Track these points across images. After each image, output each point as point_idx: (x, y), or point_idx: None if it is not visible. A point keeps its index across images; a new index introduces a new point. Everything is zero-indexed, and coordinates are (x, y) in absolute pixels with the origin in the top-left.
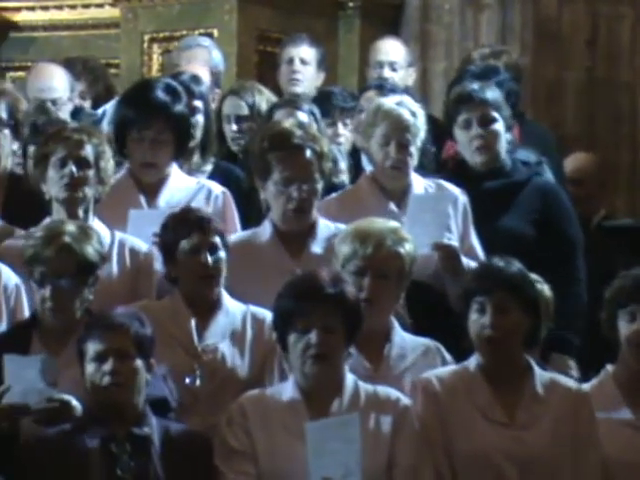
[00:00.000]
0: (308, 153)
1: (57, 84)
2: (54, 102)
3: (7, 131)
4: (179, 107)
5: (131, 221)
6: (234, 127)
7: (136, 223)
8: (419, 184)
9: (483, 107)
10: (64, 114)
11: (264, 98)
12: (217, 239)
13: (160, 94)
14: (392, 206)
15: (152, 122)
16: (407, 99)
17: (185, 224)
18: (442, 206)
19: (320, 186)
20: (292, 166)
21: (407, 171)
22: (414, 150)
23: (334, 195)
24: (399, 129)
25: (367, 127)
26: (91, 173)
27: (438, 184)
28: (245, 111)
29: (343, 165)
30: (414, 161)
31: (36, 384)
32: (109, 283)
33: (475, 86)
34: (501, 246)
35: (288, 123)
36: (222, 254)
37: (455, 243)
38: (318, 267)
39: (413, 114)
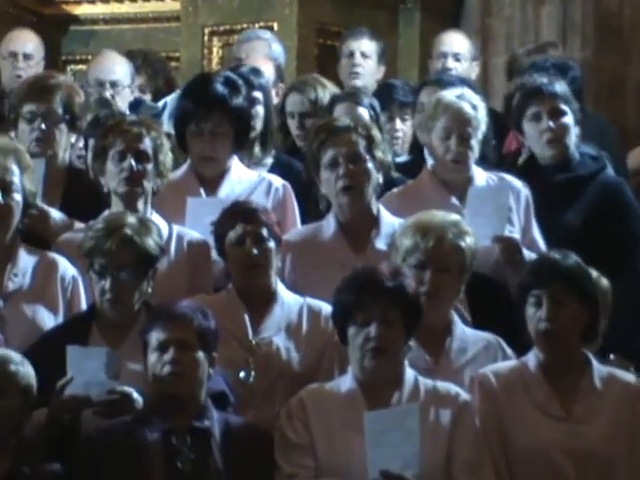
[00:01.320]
0: (354, 134)
1: (118, 68)
2: (113, 84)
3: (63, 125)
4: (238, 100)
5: (189, 209)
6: (297, 124)
7: (194, 211)
8: (481, 177)
9: (553, 100)
10: (123, 101)
11: (327, 92)
12: (264, 230)
13: (219, 87)
14: (454, 200)
15: (211, 115)
16: (468, 92)
17: (231, 216)
18: (502, 198)
19: (371, 166)
20: (336, 146)
21: (468, 164)
22: (475, 143)
23: (395, 190)
24: (460, 122)
25: (428, 120)
26: (150, 166)
27: (500, 177)
28: (307, 108)
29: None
30: (475, 154)
31: (98, 376)
32: (167, 276)
33: (544, 79)
34: (565, 239)
35: (355, 113)
36: (270, 245)
37: (516, 235)
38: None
39: (474, 107)
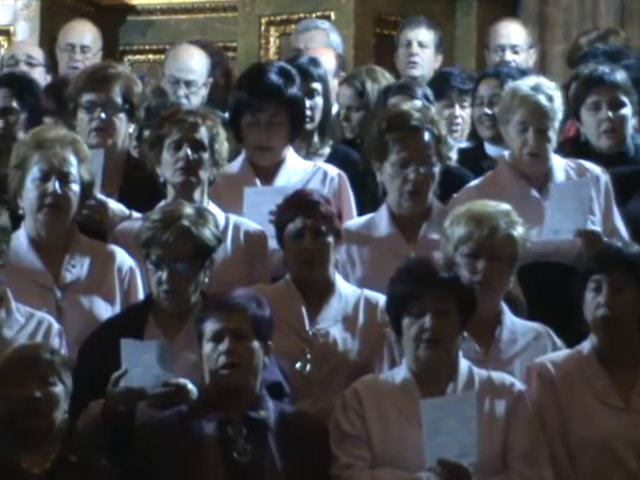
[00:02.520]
0: (426, 135)
1: (195, 66)
2: (189, 84)
3: (122, 115)
4: (293, 90)
5: (247, 199)
6: (343, 116)
7: (252, 201)
8: (560, 165)
9: (613, 90)
10: (197, 97)
11: (377, 86)
12: (323, 224)
13: (273, 77)
14: (534, 192)
15: (265, 105)
16: (544, 81)
17: (291, 207)
18: (584, 192)
19: (437, 170)
20: (410, 147)
21: (546, 157)
22: (552, 134)
23: (473, 183)
24: (536, 115)
25: (504, 112)
26: (206, 156)
27: (578, 163)
28: (352, 100)
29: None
30: (553, 145)
31: (153, 369)
32: (224, 266)
33: (606, 69)
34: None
35: (407, 105)
36: (328, 240)
37: (598, 228)
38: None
39: (550, 98)
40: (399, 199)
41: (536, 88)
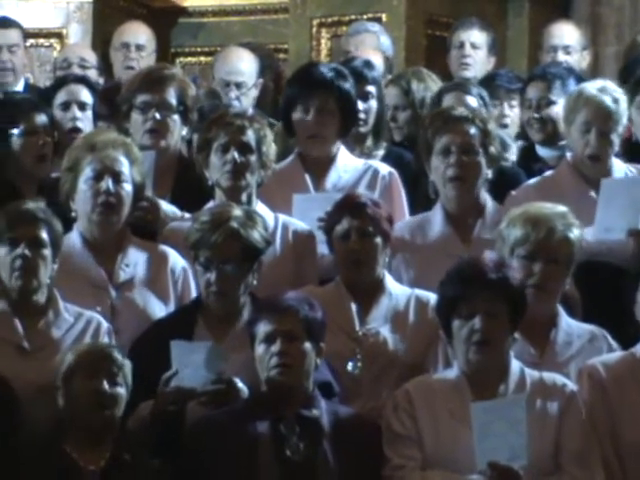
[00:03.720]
0: (468, 124)
1: (244, 68)
2: (239, 86)
3: (176, 116)
4: (344, 83)
5: (296, 206)
6: (390, 116)
7: (301, 207)
8: (620, 169)
9: None
10: (248, 99)
11: (422, 86)
12: (370, 225)
13: (324, 69)
14: (592, 193)
15: (316, 94)
16: (610, 85)
17: (339, 209)
18: (636, 190)
19: (482, 160)
20: (451, 134)
21: (607, 159)
22: (615, 138)
23: (532, 181)
24: (600, 117)
25: (568, 113)
26: (253, 158)
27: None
28: (398, 100)
29: (513, 149)
30: (614, 149)
31: (202, 370)
32: (273, 266)
33: None
34: None
35: (463, 103)
36: (376, 240)
37: None
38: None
39: (615, 100)
40: (445, 189)
41: (602, 90)
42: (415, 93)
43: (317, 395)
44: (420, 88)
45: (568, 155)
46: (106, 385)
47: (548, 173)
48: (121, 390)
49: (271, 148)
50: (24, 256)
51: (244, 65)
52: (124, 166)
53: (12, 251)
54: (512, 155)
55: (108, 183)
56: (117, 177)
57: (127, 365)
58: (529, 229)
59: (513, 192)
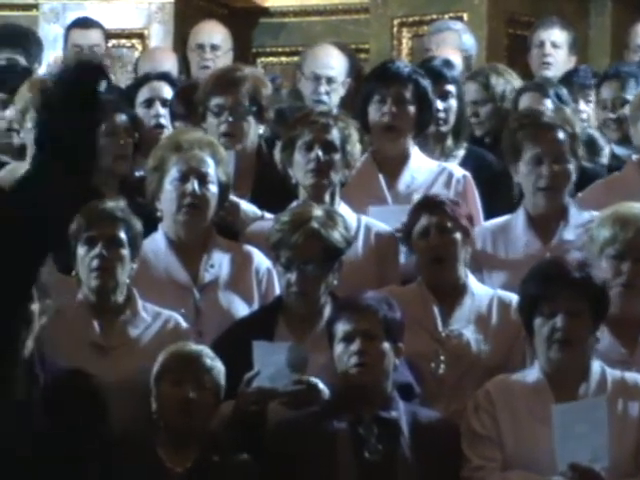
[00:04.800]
0: (559, 132)
1: (334, 63)
2: (329, 80)
3: (250, 117)
4: (421, 78)
5: (371, 217)
6: (470, 112)
7: (377, 219)
8: None
9: None
10: (336, 95)
11: (502, 80)
12: (449, 222)
13: (400, 65)
14: None
15: (392, 86)
16: None
17: (418, 208)
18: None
19: (572, 167)
20: (542, 144)
21: None
22: None
23: (599, 182)
24: None
25: (634, 111)
26: (337, 157)
27: None
28: (478, 94)
29: (605, 151)
30: None
31: (284, 371)
32: (355, 267)
33: None
34: None
35: (540, 104)
36: (455, 237)
37: None
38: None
39: None
40: (534, 198)
41: None
42: (495, 87)
43: (396, 396)
44: (499, 82)
45: (634, 156)
46: (192, 392)
47: (616, 173)
48: (210, 395)
49: (356, 147)
50: (102, 256)
51: (335, 61)
52: (210, 167)
53: (90, 250)
54: (604, 158)
55: (194, 184)
56: (203, 178)
57: (217, 368)
58: (618, 229)
59: (580, 194)
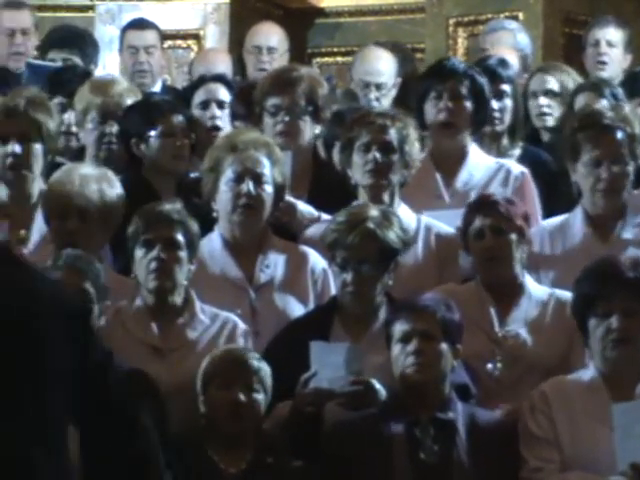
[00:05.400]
0: (619, 134)
1: (383, 68)
2: (378, 87)
3: (307, 117)
4: (477, 74)
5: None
6: (541, 101)
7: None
8: None
9: None
10: (387, 99)
11: (571, 79)
12: (503, 222)
13: (456, 61)
14: None
15: (449, 81)
16: None
17: (472, 209)
18: None
19: (631, 168)
20: (602, 146)
21: None
22: None
23: None
24: None
25: None
26: (395, 158)
27: None
28: (553, 86)
29: None
30: None
31: (341, 371)
32: (415, 268)
33: None
34: None
35: (599, 104)
36: (510, 237)
37: None
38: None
39: None
40: (593, 198)
41: None
42: (564, 83)
43: (453, 397)
44: (569, 80)
45: None
46: (242, 395)
47: None
48: (259, 396)
49: (414, 147)
50: (159, 258)
51: (383, 65)
52: (265, 167)
53: (148, 253)
54: None
55: (249, 185)
56: (258, 179)
57: (264, 369)
58: None
59: (635, 191)
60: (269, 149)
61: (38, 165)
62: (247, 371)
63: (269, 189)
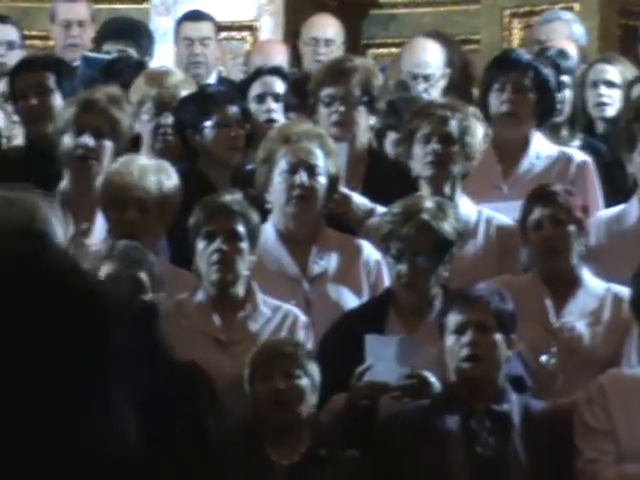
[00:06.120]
0: None
1: (431, 59)
2: (426, 78)
3: (362, 108)
4: (541, 65)
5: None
6: (602, 91)
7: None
8: None
9: None
10: (436, 90)
11: (628, 70)
12: (563, 213)
13: (521, 52)
14: None
15: (512, 72)
16: None
17: (531, 199)
18: None
19: None
20: None
21: None
22: None
23: None
24: None
25: None
26: (455, 149)
27: None
28: (613, 76)
29: None
30: None
31: (395, 364)
32: (475, 260)
33: None
34: None
35: None
36: (569, 229)
37: None
38: None
39: None
40: None
41: None
42: (624, 74)
43: (508, 389)
44: (627, 72)
45: None
46: (281, 383)
47: None
48: (302, 382)
49: (475, 139)
50: (221, 250)
51: (430, 57)
52: (319, 159)
53: (209, 245)
54: None
55: (302, 176)
56: (311, 170)
57: (303, 353)
58: None
59: None
60: (322, 140)
61: (106, 161)
62: (283, 358)
63: (322, 180)
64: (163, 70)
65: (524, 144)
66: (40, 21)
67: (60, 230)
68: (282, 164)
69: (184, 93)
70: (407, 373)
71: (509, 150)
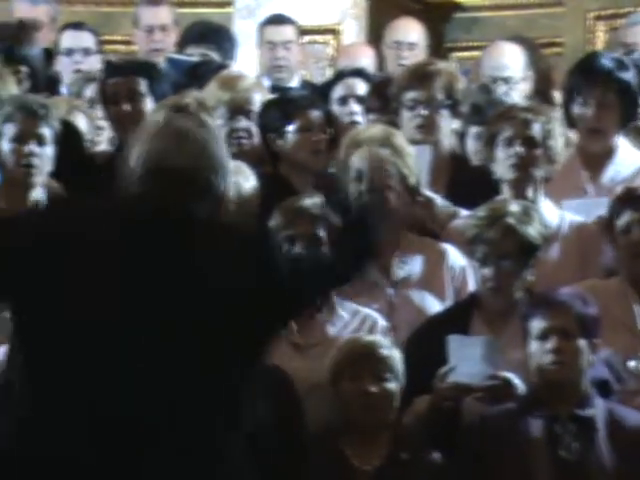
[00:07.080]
0: None
1: (510, 62)
2: (506, 80)
3: (445, 111)
4: (624, 74)
5: (570, 208)
6: None
7: (571, 212)
8: None
9: None
10: (517, 93)
11: None
12: None
13: (604, 61)
14: None
15: (595, 86)
16: None
17: (620, 202)
18: None
19: None
20: None
21: None
22: None
23: None
24: None
25: None
26: (538, 152)
27: None
28: None
29: None
30: None
31: (479, 365)
32: (557, 264)
33: None
34: None
35: None
36: None
37: None
38: None
39: None
40: None
41: None
42: None
43: (592, 393)
44: None
45: None
46: (373, 387)
47: None
48: (391, 385)
49: (558, 142)
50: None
51: (509, 59)
52: (390, 163)
53: (290, 250)
54: None
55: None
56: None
57: (394, 357)
58: None
59: None
60: (393, 143)
61: None
62: (375, 360)
63: (396, 185)
64: (235, 74)
65: (610, 152)
66: (123, 26)
67: None
68: (352, 170)
69: (257, 97)
70: (491, 374)
71: (595, 159)
